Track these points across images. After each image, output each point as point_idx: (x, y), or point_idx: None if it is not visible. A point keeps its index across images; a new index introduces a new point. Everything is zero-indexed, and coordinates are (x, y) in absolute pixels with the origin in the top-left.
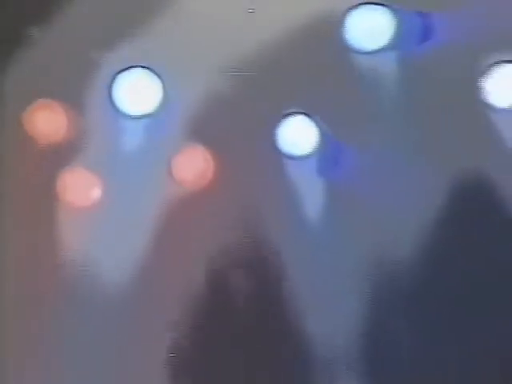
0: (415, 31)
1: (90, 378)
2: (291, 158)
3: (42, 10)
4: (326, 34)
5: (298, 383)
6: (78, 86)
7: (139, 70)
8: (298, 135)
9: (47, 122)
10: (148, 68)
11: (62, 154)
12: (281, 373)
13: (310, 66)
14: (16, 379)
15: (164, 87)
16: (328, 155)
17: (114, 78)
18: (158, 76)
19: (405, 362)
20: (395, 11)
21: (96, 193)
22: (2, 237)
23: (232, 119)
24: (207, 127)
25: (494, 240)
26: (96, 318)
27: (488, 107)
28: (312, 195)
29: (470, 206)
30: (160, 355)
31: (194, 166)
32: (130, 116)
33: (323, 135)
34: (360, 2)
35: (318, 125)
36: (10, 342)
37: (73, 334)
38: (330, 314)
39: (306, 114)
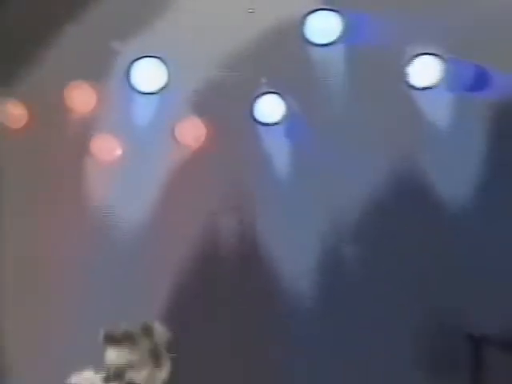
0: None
1: (106, 300)
2: (264, 125)
3: (75, 9)
4: (291, 32)
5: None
6: (104, 71)
7: (150, 58)
8: (270, 108)
9: (81, 97)
10: (157, 57)
11: (92, 122)
12: (247, 306)
13: (280, 56)
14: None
15: (168, 72)
16: (292, 124)
17: (131, 65)
18: (164, 63)
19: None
20: (343, 15)
21: (117, 152)
22: (47, 184)
23: (221, 97)
24: (202, 103)
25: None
26: (114, 252)
27: (411, 87)
28: (280, 155)
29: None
30: (165, 282)
31: (192, 132)
32: (143, 93)
33: (289, 109)
34: (316, 8)
35: (285, 101)
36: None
37: (94, 263)
38: (292, 255)
39: (276, 92)
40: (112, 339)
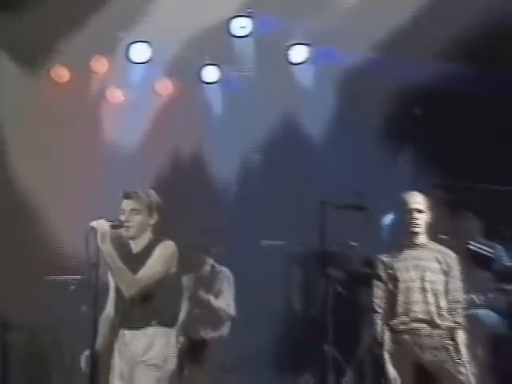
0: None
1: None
2: (208, 83)
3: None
4: (223, 28)
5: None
6: (113, 49)
7: (141, 43)
8: (211, 74)
9: (100, 65)
10: (145, 41)
11: (106, 79)
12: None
13: (217, 42)
14: None
15: (152, 51)
16: (225, 84)
17: (129, 46)
18: (150, 45)
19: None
20: (253, 18)
21: (121, 98)
22: (80, 116)
23: (181, 67)
24: (170, 71)
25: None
26: (117, 163)
27: (291, 63)
28: (218, 102)
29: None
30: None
31: (164, 88)
32: (136, 63)
33: (225, 74)
34: (237, 14)
35: (220, 69)
36: None
37: (104, 169)
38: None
39: (214, 64)
40: (127, 195)
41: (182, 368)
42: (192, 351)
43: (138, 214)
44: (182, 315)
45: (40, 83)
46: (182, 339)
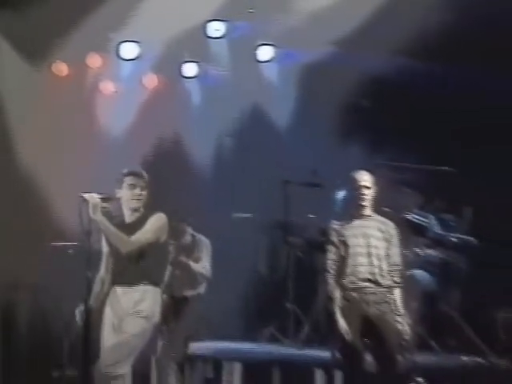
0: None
1: None
2: (188, 78)
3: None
4: (200, 29)
5: None
6: (106, 47)
7: (130, 42)
8: (191, 70)
9: (94, 60)
10: (133, 41)
11: (100, 73)
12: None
13: (196, 42)
14: None
15: (140, 49)
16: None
17: (119, 44)
18: (138, 44)
19: None
20: (227, 22)
21: (113, 90)
22: (76, 107)
23: (164, 63)
24: (155, 66)
25: None
26: (111, 143)
27: (258, 61)
28: (196, 92)
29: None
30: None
31: (150, 81)
32: (126, 60)
33: (203, 71)
34: (212, 18)
35: (199, 65)
36: None
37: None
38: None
39: (193, 61)
40: (137, 173)
41: (165, 321)
42: (174, 306)
43: (144, 189)
44: (166, 276)
45: (43, 77)
46: (165, 296)
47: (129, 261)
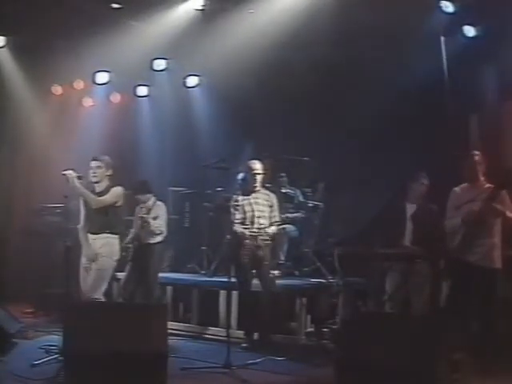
0: None
1: None
2: (141, 97)
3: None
4: (148, 65)
5: None
6: (86, 76)
7: (102, 72)
8: (143, 91)
9: (78, 84)
10: (105, 70)
11: (82, 93)
12: None
13: (144, 75)
14: None
15: (109, 76)
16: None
17: (95, 73)
18: (108, 72)
19: None
20: (167, 60)
21: (91, 104)
22: (67, 115)
23: (126, 86)
24: (119, 88)
25: None
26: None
27: (187, 87)
28: (146, 110)
29: None
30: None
31: (117, 99)
32: (98, 84)
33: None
34: (157, 57)
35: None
36: None
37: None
38: None
39: (144, 85)
40: (94, 158)
41: (135, 258)
42: (141, 251)
43: (99, 168)
44: (134, 228)
45: (45, 96)
46: (136, 243)
47: (96, 216)
